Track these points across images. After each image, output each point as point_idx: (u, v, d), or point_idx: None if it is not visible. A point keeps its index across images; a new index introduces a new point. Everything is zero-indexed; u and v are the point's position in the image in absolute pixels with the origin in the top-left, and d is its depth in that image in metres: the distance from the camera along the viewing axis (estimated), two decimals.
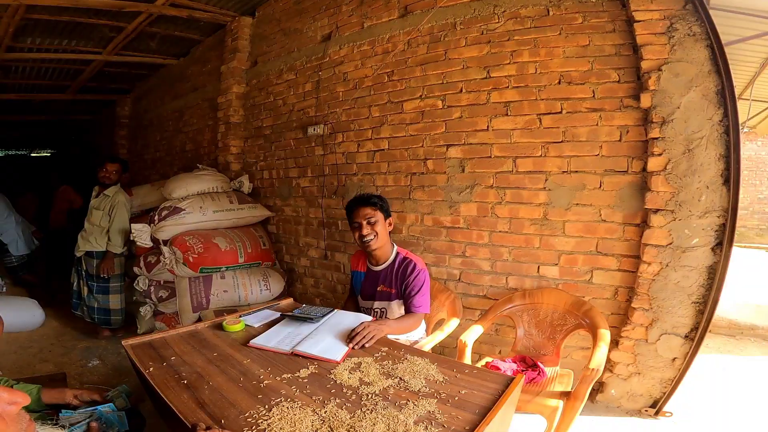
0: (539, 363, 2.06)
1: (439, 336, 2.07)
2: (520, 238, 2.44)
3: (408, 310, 1.98)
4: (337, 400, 1.15)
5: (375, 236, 1.95)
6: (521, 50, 2.38)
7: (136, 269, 3.47)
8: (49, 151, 11.25)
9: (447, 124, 2.64)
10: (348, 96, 3.10)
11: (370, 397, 1.17)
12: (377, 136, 2.95)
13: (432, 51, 2.69)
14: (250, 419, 1.07)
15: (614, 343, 2.21)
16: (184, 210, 3.27)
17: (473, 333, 2.09)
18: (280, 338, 1.57)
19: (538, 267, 2.41)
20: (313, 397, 1.17)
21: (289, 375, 1.31)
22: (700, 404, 2.27)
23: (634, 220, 2.17)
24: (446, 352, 2.69)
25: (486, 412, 1.08)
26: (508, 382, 1.24)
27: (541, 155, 2.35)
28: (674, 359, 2.12)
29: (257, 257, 3.43)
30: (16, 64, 4.70)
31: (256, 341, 1.55)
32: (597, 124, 2.21)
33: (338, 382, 1.26)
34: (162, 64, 5.19)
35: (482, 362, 2.16)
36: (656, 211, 2.07)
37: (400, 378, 1.28)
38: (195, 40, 4.63)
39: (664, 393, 2.17)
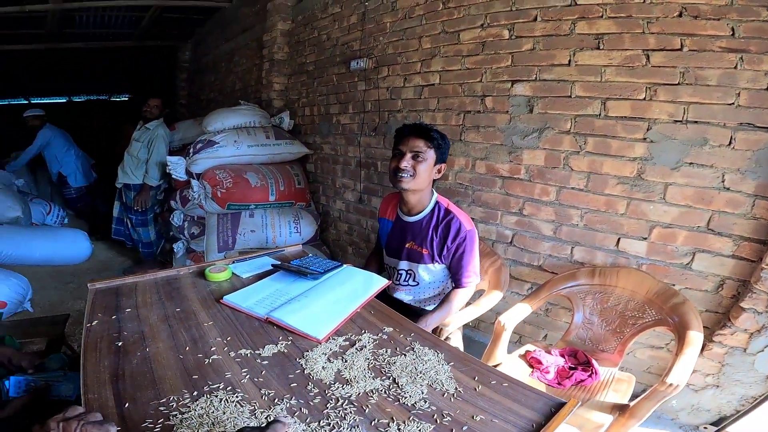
0: (593, 361, 1.59)
1: (472, 312, 1.65)
2: (599, 200, 1.88)
3: (457, 284, 1.60)
4: (292, 401, 0.81)
5: (413, 175, 1.52)
6: None
7: (172, 203, 3.42)
8: (126, 96, 11.88)
9: (514, 56, 2.08)
10: (396, 27, 2.64)
11: (339, 403, 0.81)
12: (427, 69, 2.47)
13: None
14: (162, 408, 0.78)
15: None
16: (218, 143, 3.08)
17: (517, 313, 1.65)
18: (260, 297, 1.25)
19: (618, 239, 1.85)
20: (263, 390, 0.84)
21: (248, 352, 0.99)
22: None
23: None
24: (481, 327, 2.30)
25: None
26: (552, 410, 0.81)
27: (644, 98, 1.74)
28: None
29: (290, 196, 3.18)
30: (78, 14, 4.65)
31: (230, 298, 1.23)
32: (736, 67, 1.57)
33: (307, 371, 0.91)
34: (216, 7, 5.01)
35: (521, 350, 1.73)
36: None
37: (394, 379, 0.90)
38: None
39: (738, 411, 1.68)
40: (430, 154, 1.54)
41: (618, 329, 1.69)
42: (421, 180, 1.54)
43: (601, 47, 1.84)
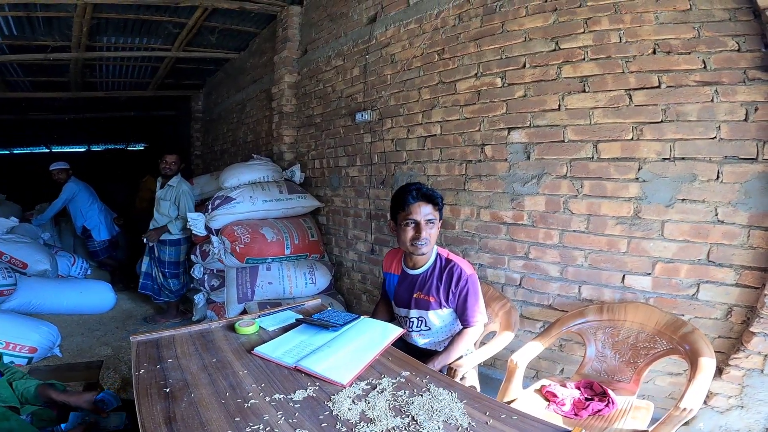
0: (609, 391, 1.62)
1: (485, 352, 1.72)
2: (600, 240, 1.97)
3: (465, 324, 1.69)
4: None
5: (428, 241, 1.65)
6: (598, 17, 1.92)
7: (192, 257, 3.56)
8: (143, 145, 12.48)
9: (508, 104, 2.24)
10: (396, 79, 2.83)
11: None
12: (428, 120, 2.63)
13: (487, 24, 2.31)
14: None
15: (717, 371, 1.69)
16: (235, 199, 3.25)
17: (529, 351, 1.71)
18: (287, 348, 1.36)
19: (623, 276, 1.92)
20: (297, 430, 0.94)
21: (281, 396, 1.09)
22: None
23: (763, 222, 1.61)
24: (497, 365, 2.33)
25: None
26: None
27: (632, 138, 1.86)
28: None
29: (304, 249, 3.32)
30: (99, 63, 5.15)
31: (260, 349, 1.35)
32: (712, 101, 1.69)
33: (335, 413, 1.01)
34: (225, 58, 5.40)
35: (537, 385, 1.77)
36: None
37: (413, 417, 0.99)
38: (251, 32, 4.73)
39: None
40: (437, 217, 1.68)
41: (631, 360, 1.73)
42: (433, 242, 1.69)
43: (587, 89, 1.96)
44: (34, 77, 5.41)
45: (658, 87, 1.79)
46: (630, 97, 1.86)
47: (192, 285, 3.77)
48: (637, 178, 1.86)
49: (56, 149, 11.37)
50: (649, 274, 1.86)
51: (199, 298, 3.55)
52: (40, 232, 4.33)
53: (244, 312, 3.07)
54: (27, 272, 3.58)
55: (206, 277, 3.42)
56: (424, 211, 1.63)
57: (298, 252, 3.26)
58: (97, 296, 3.85)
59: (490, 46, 2.29)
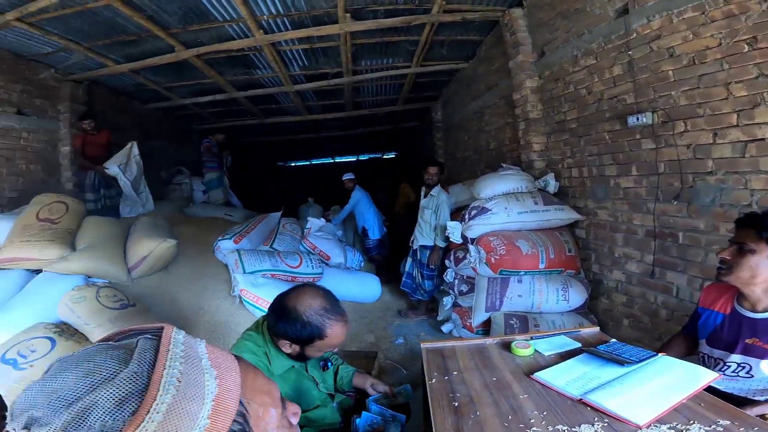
0: None
1: None
2: None
3: None
4: None
5: (731, 269, 1.43)
6: None
7: (446, 262, 3.87)
8: (393, 153, 14.58)
9: None
10: (683, 75, 2.32)
11: None
12: (749, 121, 2.04)
13: None
14: None
15: None
16: (491, 210, 3.34)
17: None
18: (570, 377, 1.31)
19: None
20: None
21: (565, 428, 1.06)
22: None
23: None
24: None
25: None
26: None
27: None
28: None
29: (560, 264, 3.14)
30: (362, 84, 6.19)
31: (541, 375, 1.34)
32: None
33: None
34: (456, 68, 5.69)
35: None
36: None
37: None
38: (476, 41, 4.86)
39: None
40: (762, 247, 1.36)
41: None
42: (742, 275, 1.40)
43: None
44: (322, 101, 7.04)
45: None
46: None
47: (442, 287, 4.12)
48: None
49: (339, 159, 14.75)
50: None
51: (447, 301, 3.82)
52: (336, 230, 5.52)
53: (488, 321, 3.18)
54: (329, 264, 4.72)
55: (456, 281, 3.67)
56: (739, 234, 1.44)
57: (553, 267, 3.12)
58: (369, 288, 4.66)
59: None
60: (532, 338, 1.67)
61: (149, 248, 3.72)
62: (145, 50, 4.39)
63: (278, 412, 0.57)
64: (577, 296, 3.07)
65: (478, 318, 3.22)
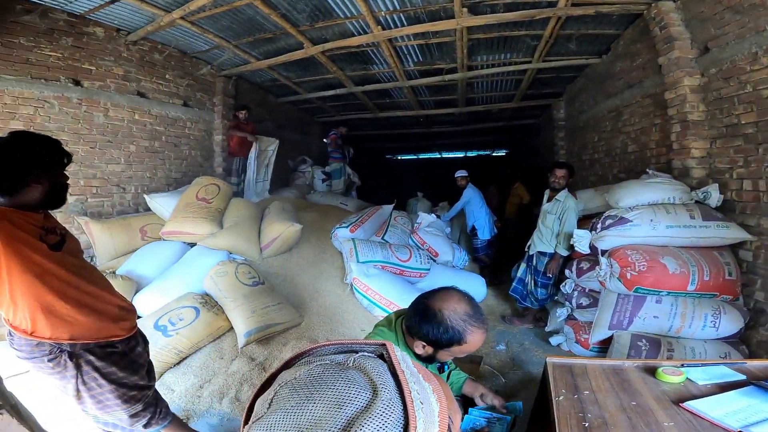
0: None
1: None
2: None
3: None
4: None
5: None
6: None
7: (567, 272, 3.57)
8: (504, 151, 13.91)
9: None
10: None
11: None
12: None
13: None
14: None
15: None
16: (631, 221, 2.98)
17: None
18: (730, 409, 1.19)
19: None
20: None
21: None
22: None
23: None
24: None
25: None
26: None
27: None
28: None
29: (715, 288, 2.71)
30: (476, 80, 6.07)
31: (694, 405, 1.22)
32: None
33: None
34: (585, 64, 5.22)
35: None
36: None
37: None
38: (611, 35, 4.45)
39: None
40: None
41: None
42: None
43: None
44: (435, 96, 7.04)
45: None
46: None
47: (555, 297, 3.84)
48: None
49: (446, 155, 14.62)
50: None
51: (561, 312, 3.55)
52: (446, 227, 5.48)
53: (608, 339, 2.90)
54: (437, 261, 4.72)
55: (576, 293, 3.39)
56: None
57: (706, 290, 2.71)
58: (475, 289, 4.50)
59: None
60: (683, 365, 1.49)
61: (279, 231, 4.15)
62: (278, 47, 4.90)
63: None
64: (729, 324, 2.63)
65: (599, 335, 2.95)
